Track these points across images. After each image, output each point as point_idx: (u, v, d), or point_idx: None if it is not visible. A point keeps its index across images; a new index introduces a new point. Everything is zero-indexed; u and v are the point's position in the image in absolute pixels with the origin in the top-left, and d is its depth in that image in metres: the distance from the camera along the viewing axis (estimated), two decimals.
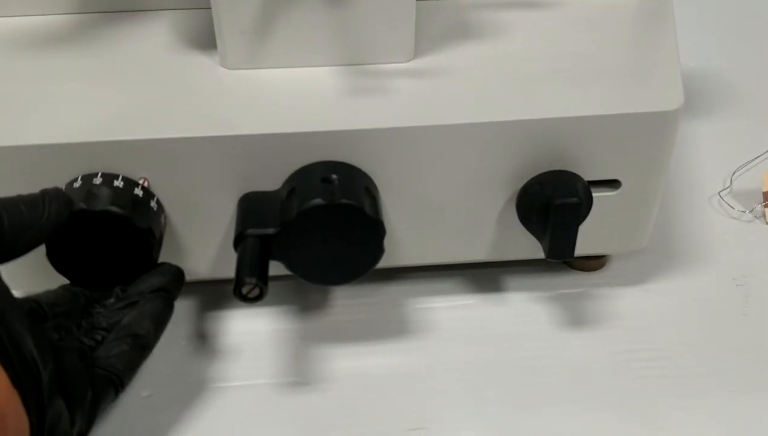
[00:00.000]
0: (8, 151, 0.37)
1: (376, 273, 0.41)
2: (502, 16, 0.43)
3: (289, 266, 0.39)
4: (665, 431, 0.40)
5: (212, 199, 0.40)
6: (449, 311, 0.45)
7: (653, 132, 0.40)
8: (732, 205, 0.52)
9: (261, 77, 0.40)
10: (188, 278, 0.43)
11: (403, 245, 0.42)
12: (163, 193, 0.39)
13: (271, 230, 0.38)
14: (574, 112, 0.39)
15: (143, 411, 0.41)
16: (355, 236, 0.38)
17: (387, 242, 0.39)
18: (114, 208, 0.36)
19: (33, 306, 0.36)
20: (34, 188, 0.36)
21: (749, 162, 0.54)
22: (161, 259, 0.39)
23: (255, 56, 0.40)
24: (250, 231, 0.38)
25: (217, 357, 0.43)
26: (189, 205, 0.40)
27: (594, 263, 0.47)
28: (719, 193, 0.52)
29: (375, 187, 0.40)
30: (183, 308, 0.45)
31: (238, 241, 0.38)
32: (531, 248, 0.43)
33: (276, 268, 0.38)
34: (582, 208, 0.40)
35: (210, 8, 0.39)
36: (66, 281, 0.39)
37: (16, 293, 0.33)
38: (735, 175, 0.54)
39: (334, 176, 0.38)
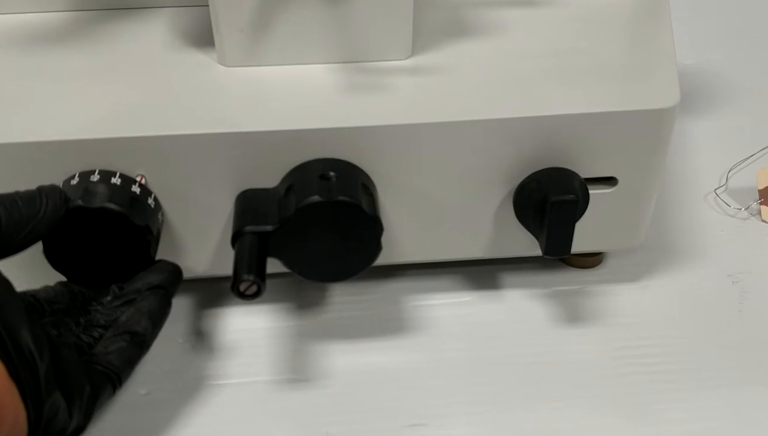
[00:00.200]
0: (5, 149, 0.37)
1: (374, 270, 0.41)
2: (499, 14, 0.43)
3: (286, 263, 0.39)
4: (661, 426, 0.40)
5: (210, 196, 0.40)
6: (447, 308, 0.45)
7: (650, 129, 0.40)
8: (728, 203, 0.52)
9: (259, 74, 0.40)
10: (186, 275, 0.43)
11: (400, 242, 0.43)
12: (161, 190, 0.39)
13: (268, 227, 0.38)
14: (571, 110, 0.39)
15: (141, 408, 0.41)
16: (353, 233, 0.38)
17: (384, 239, 0.39)
18: (111, 205, 0.36)
19: (30, 301, 0.36)
20: (32, 185, 0.36)
21: (745, 160, 0.55)
22: (159, 256, 0.40)
23: (253, 54, 0.40)
24: (248, 228, 0.38)
25: (215, 354, 0.43)
26: (187, 202, 0.40)
27: (590, 260, 0.48)
28: (715, 190, 0.53)
29: (372, 184, 0.40)
30: (180, 305, 0.45)
31: (236, 238, 0.38)
32: (528, 245, 0.43)
33: (273, 265, 0.38)
34: (579, 205, 0.40)
35: (208, 5, 0.39)
36: (63, 279, 0.39)
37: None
38: (731, 172, 0.54)
39: (331, 173, 0.38)
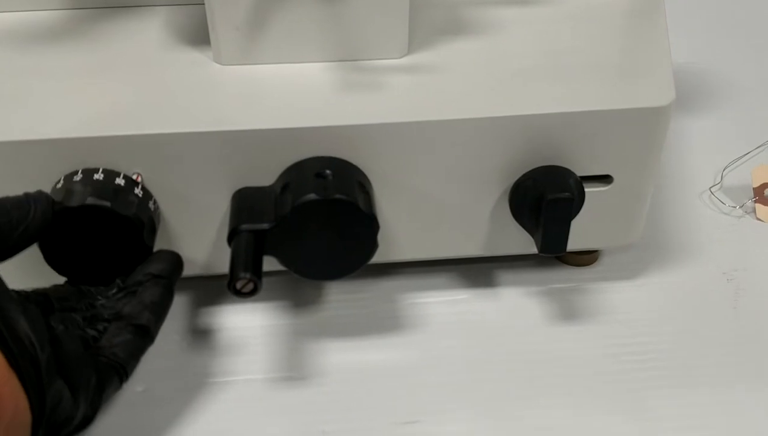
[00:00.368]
0: (2, 147, 0.37)
1: (370, 268, 0.41)
2: (495, 13, 0.43)
3: (282, 261, 0.39)
4: (656, 423, 0.40)
5: (206, 194, 0.40)
6: (442, 305, 0.46)
7: (645, 127, 0.40)
8: (723, 201, 0.52)
9: (255, 73, 0.40)
10: (182, 273, 0.43)
11: (396, 240, 0.43)
12: (157, 188, 0.39)
13: (265, 225, 0.38)
14: (567, 108, 0.39)
15: (138, 406, 0.41)
16: (349, 231, 0.38)
17: (380, 237, 0.39)
18: (92, 200, 0.36)
19: (40, 299, 0.37)
20: (28, 184, 0.36)
21: (739, 158, 0.55)
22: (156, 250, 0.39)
23: (249, 52, 0.40)
24: (244, 226, 0.38)
25: (211, 352, 0.43)
26: (183, 200, 0.40)
27: (586, 257, 0.48)
28: (710, 188, 0.53)
29: (369, 182, 0.40)
30: (177, 303, 0.45)
31: (232, 236, 0.38)
32: (523, 242, 0.43)
33: (270, 263, 0.38)
34: (574, 203, 0.40)
35: (203, 4, 0.39)
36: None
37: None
38: (725, 171, 0.54)
39: (327, 171, 0.38)
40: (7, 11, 0.42)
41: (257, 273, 0.37)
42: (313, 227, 0.38)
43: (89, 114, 0.38)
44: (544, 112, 0.39)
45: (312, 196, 0.37)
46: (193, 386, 0.42)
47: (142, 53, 0.41)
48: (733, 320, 0.45)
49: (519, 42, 0.42)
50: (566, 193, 0.39)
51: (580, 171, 0.41)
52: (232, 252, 0.38)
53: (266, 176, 0.39)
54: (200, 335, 0.44)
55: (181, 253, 0.41)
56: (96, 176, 0.37)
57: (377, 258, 0.40)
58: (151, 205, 0.39)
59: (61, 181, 0.38)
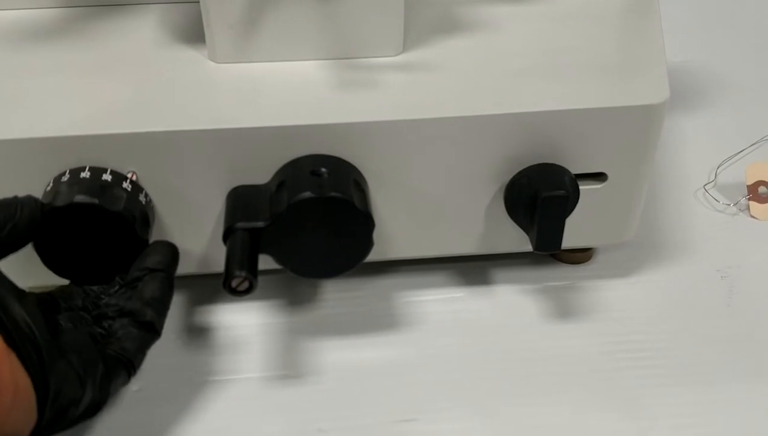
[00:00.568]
0: None
1: (366, 266, 0.41)
2: (490, 11, 0.43)
3: (278, 260, 0.39)
4: (651, 420, 0.40)
5: (201, 192, 0.40)
6: (438, 303, 0.46)
7: (639, 125, 0.40)
8: (717, 199, 0.52)
9: (250, 71, 0.40)
10: (178, 272, 0.43)
11: (392, 238, 0.43)
12: (153, 186, 0.39)
13: (260, 224, 0.38)
14: (561, 106, 0.39)
15: (133, 405, 0.41)
16: (345, 229, 0.38)
17: (376, 236, 0.39)
18: (80, 198, 0.36)
19: (47, 298, 0.37)
20: (23, 182, 0.36)
21: (734, 156, 0.55)
22: None
23: (244, 50, 0.40)
24: (240, 225, 0.38)
25: (207, 351, 0.43)
26: (178, 198, 0.40)
27: (581, 255, 0.48)
28: (704, 186, 0.53)
29: (364, 180, 0.40)
30: (172, 301, 0.45)
31: (228, 234, 0.38)
32: (519, 240, 0.43)
33: (265, 262, 0.38)
34: (569, 201, 0.40)
35: (198, 2, 0.39)
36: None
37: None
38: (720, 168, 0.54)
39: (323, 169, 0.38)
40: (1, 9, 0.42)
41: (253, 271, 0.36)
42: (308, 225, 0.38)
43: (85, 112, 0.38)
44: (539, 110, 0.39)
45: (307, 194, 0.37)
46: (189, 385, 0.42)
47: (137, 51, 0.41)
48: (728, 317, 0.45)
49: (514, 40, 0.42)
50: (561, 191, 0.39)
51: (574, 169, 0.41)
52: (227, 250, 0.38)
53: (261, 174, 0.39)
54: (196, 334, 0.44)
55: None
56: (83, 175, 0.37)
57: (373, 256, 0.40)
58: (142, 198, 0.38)
59: (51, 184, 0.38)
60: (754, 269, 0.48)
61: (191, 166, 0.39)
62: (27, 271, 0.37)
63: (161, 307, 0.38)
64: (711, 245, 0.49)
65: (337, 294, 0.46)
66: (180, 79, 0.40)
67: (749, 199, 0.52)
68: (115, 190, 0.37)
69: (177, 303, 0.45)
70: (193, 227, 0.41)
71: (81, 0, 0.42)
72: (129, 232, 0.37)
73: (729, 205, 0.52)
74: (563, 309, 0.46)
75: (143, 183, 0.39)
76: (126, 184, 0.38)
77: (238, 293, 0.37)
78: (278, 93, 0.39)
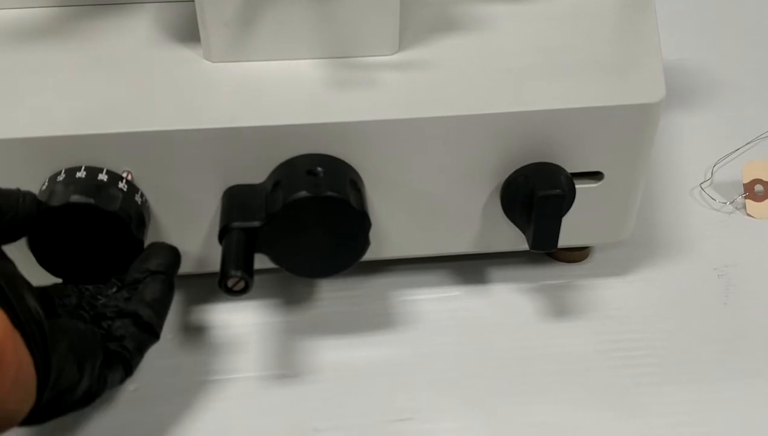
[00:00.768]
0: None
1: (362, 266, 0.41)
2: (486, 10, 0.43)
3: (274, 259, 0.39)
4: (647, 418, 0.40)
5: (197, 192, 0.40)
6: (434, 302, 0.46)
7: (635, 124, 0.40)
8: (713, 197, 0.52)
9: (245, 70, 0.40)
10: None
11: (388, 237, 0.43)
12: (148, 186, 0.39)
13: (256, 223, 0.38)
14: (558, 105, 0.39)
15: (130, 405, 0.41)
16: (341, 228, 0.38)
17: (372, 235, 0.39)
18: (75, 198, 0.36)
19: (42, 293, 0.37)
20: (18, 181, 0.36)
21: (730, 154, 0.55)
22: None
23: (239, 49, 0.40)
24: (235, 224, 0.38)
25: (203, 351, 0.43)
26: (173, 198, 0.40)
27: (577, 254, 0.48)
28: (700, 185, 0.53)
29: (360, 179, 0.40)
30: None
31: (223, 234, 0.38)
32: (515, 239, 0.43)
33: (261, 261, 0.38)
34: (565, 200, 0.40)
35: (193, 1, 0.38)
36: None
37: None
38: (716, 167, 0.54)
39: (319, 169, 0.38)
40: None
41: (248, 271, 0.36)
42: (304, 225, 0.38)
43: (80, 112, 0.38)
44: (535, 109, 0.39)
45: (303, 193, 0.37)
46: (185, 385, 0.41)
47: (132, 50, 0.41)
48: (724, 315, 0.45)
49: (510, 39, 0.42)
50: (557, 190, 0.39)
51: (570, 168, 0.41)
52: (223, 250, 0.37)
53: (257, 174, 0.39)
54: (192, 333, 0.44)
55: None
56: (78, 174, 0.37)
57: (369, 255, 0.40)
58: (137, 198, 0.38)
59: (46, 183, 0.37)
60: (751, 267, 0.48)
61: (187, 166, 0.39)
62: (22, 270, 0.37)
63: (161, 309, 0.38)
64: (707, 244, 0.49)
65: (333, 293, 0.46)
66: (175, 79, 0.39)
67: (745, 197, 0.52)
68: (110, 190, 0.37)
69: (173, 302, 0.45)
70: (188, 227, 0.41)
71: None
72: (124, 232, 0.37)
73: (725, 203, 0.52)
74: (560, 308, 0.46)
75: (138, 183, 0.39)
76: (122, 184, 0.38)
77: (234, 293, 0.37)
78: (274, 92, 0.39)
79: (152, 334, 0.37)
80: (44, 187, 0.38)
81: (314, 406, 0.41)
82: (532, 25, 0.42)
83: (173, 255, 0.39)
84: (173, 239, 0.41)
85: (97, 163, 0.38)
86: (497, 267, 0.47)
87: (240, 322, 0.44)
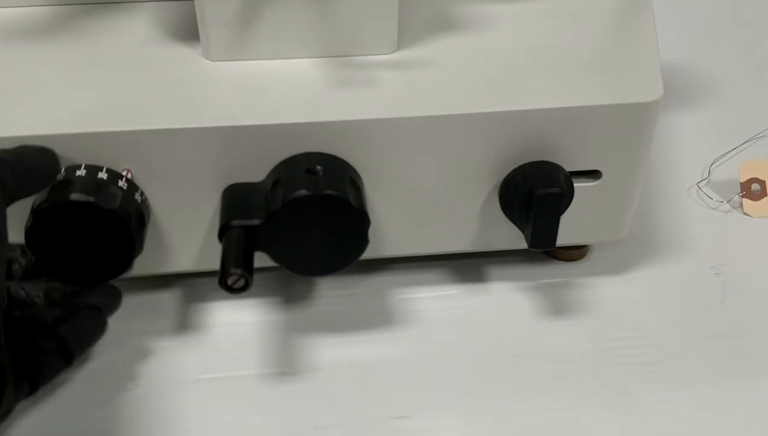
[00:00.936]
0: None
1: (361, 264, 0.41)
2: (484, 9, 0.43)
3: (274, 257, 0.39)
4: (646, 416, 0.40)
5: (196, 190, 0.40)
6: (433, 301, 0.46)
7: (633, 123, 0.40)
8: (710, 196, 0.53)
9: (244, 69, 0.40)
10: (173, 270, 0.43)
11: (387, 236, 0.43)
12: (147, 185, 0.39)
13: (256, 221, 0.38)
14: (556, 104, 0.39)
15: (128, 403, 0.41)
16: (340, 227, 0.38)
17: (371, 233, 0.39)
18: (75, 196, 0.36)
19: None
20: None
21: (726, 153, 0.55)
22: (146, 250, 0.39)
23: (239, 48, 0.40)
24: (235, 222, 0.38)
25: (202, 349, 0.43)
26: (173, 196, 0.40)
27: (575, 252, 0.48)
28: (698, 184, 0.53)
29: (359, 178, 0.40)
30: (168, 299, 0.45)
31: (223, 232, 0.38)
32: (513, 238, 0.43)
33: (261, 259, 0.38)
34: (563, 198, 0.40)
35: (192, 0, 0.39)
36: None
37: None
38: (713, 166, 0.54)
39: (318, 167, 0.38)
40: None
41: (248, 269, 0.37)
42: (304, 223, 0.38)
43: (78, 110, 0.38)
44: (534, 108, 0.39)
45: (303, 192, 0.37)
46: (184, 383, 0.42)
47: (131, 49, 0.41)
48: (721, 314, 0.46)
49: (509, 38, 0.42)
50: (556, 189, 0.39)
51: (569, 166, 0.41)
52: (222, 248, 0.38)
53: (257, 172, 0.39)
54: (191, 332, 0.44)
55: (172, 249, 0.42)
56: (78, 173, 0.37)
57: (368, 254, 0.40)
58: (137, 196, 0.38)
59: None
60: (747, 266, 0.48)
61: (186, 165, 0.39)
62: None
63: (87, 347, 0.39)
64: (704, 242, 0.50)
65: (332, 292, 0.46)
66: (175, 77, 0.39)
67: (742, 196, 0.52)
68: (110, 188, 0.37)
69: (172, 301, 0.46)
70: (188, 225, 0.41)
71: None
72: (124, 231, 0.37)
73: (722, 202, 0.52)
74: (558, 306, 0.46)
75: (138, 181, 0.39)
76: (121, 183, 0.38)
77: (234, 291, 0.37)
78: (273, 91, 0.39)
79: (68, 363, 0.38)
80: None
81: (313, 404, 0.41)
82: (531, 24, 0.42)
83: (117, 299, 0.40)
84: (173, 237, 0.41)
85: (97, 161, 0.38)
86: (496, 266, 0.47)
87: (239, 320, 0.44)
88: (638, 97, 0.40)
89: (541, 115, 0.39)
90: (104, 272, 0.39)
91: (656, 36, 0.42)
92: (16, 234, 0.36)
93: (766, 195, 0.52)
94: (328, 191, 0.37)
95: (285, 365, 0.43)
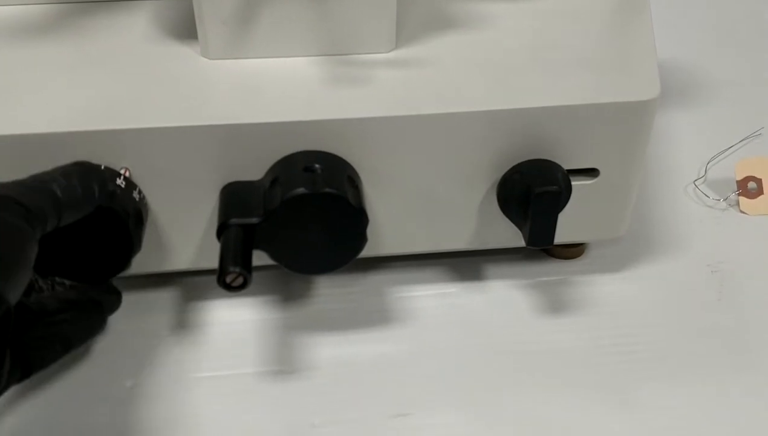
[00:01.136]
0: None
1: (359, 262, 0.41)
2: (482, 7, 0.43)
3: (272, 255, 0.39)
4: (643, 413, 0.41)
5: (195, 189, 0.40)
6: (431, 299, 0.46)
7: (631, 121, 0.40)
8: (707, 194, 0.53)
9: (242, 67, 0.40)
10: (171, 268, 0.43)
11: (385, 234, 0.43)
12: (145, 183, 0.39)
13: (254, 220, 0.38)
14: (554, 102, 0.39)
15: (127, 401, 0.41)
16: (338, 225, 0.38)
17: (369, 232, 0.39)
18: None
19: None
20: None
21: (723, 151, 0.55)
22: (144, 249, 0.39)
23: (237, 46, 0.40)
24: (234, 220, 0.38)
25: (201, 347, 0.43)
26: (171, 195, 0.40)
27: (573, 250, 0.48)
28: (694, 182, 0.53)
29: (358, 176, 0.40)
30: (166, 298, 0.45)
31: (221, 230, 0.38)
32: (511, 236, 0.43)
33: (259, 257, 0.38)
34: (561, 196, 0.40)
35: None
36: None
37: None
38: (710, 164, 0.55)
39: (317, 166, 0.38)
40: None
41: (247, 267, 0.37)
42: (302, 221, 0.38)
43: (76, 108, 0.38)
44: (532, 106, 0.39)
45: (301, 190, 0.37)
46: (182, 381, 0.42)
47: (129, 48, 0.41)
48: (718, 311, 0.46)
49: (506, 36, 0.42)
50: (553, 187, 0.39)
51: (566, 164, 0.41)
52: (221, 246, 0.38)
53: (255, 170, 0.39)
54: (189, 330, 0.44)
55: (170, 247, 0.42)
56: None
57: (366, 252, 0.40)
58: (135, 194, 0.38)
59: None
60: (744, 264, 0.48)
61: (184, 163, 0.39)
62: None
63: (85, 337, 0.39)
64: (701, 240, 0.50)
65: (330, 290, 0.46)
66: (173, 76, 0.39)
67: (739, 194, 0.52)
68: (108, 186, 0.37)
69: (170, 299, 0.46)
70: (186, 223, 0.41)
71: None
72: (122, 229, 0.37)
73: (719, 200, 0.52)
74: (556, 304, 0.46)
75: (136, 179, 0.39)
76: (119, 181, 0.38)
77: (232, 289, 0.37)
78: (271, 89, 0.39)
79: (65, 351, 0.38)
80: None
81: (311, 401, 0.41)
82: (528, 23, 0.43)
83: (117, 299, 0.41)
84: (171, 236, 0.41)
85: (95, 159, 0.38)
86: (494, 264, 0.48)
87: (237, 318, 0.44)
88: (636, 95, 0.40)
89: (538, 113, 0.39)
90: (102, 270, 0.39)
91: (653, 35, 0.42)
92: None
93: (762, 193, 0.52)
94: (327, 189, 0.37)
95: (283, 363, 0.43)
